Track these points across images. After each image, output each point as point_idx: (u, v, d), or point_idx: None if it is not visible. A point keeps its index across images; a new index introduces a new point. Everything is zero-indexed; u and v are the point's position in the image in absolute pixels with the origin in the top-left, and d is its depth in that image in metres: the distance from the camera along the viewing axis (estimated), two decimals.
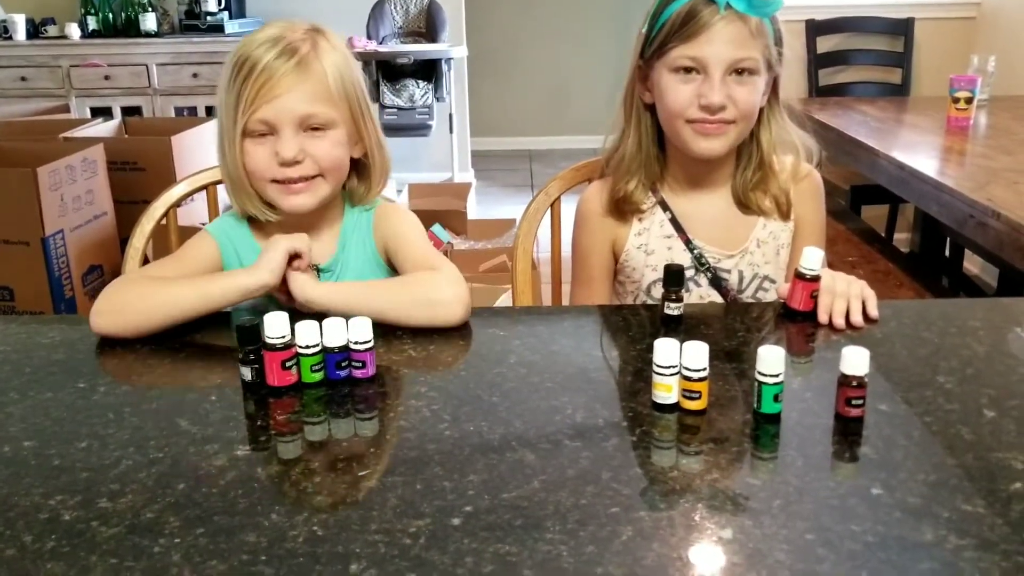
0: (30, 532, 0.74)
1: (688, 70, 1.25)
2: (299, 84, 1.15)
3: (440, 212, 3.87)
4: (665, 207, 1.35)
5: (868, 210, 3.34)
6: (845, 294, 1.13)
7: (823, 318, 1.12)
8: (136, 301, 1.12)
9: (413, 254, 1.23)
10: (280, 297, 1.16)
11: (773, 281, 1.36)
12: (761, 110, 1.30)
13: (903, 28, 3.79)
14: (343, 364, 0.99)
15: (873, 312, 1.14)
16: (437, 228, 3.49)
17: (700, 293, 1.34)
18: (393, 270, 1.29)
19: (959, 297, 3.16)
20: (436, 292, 1.13)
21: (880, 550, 0.69)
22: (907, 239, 3.71)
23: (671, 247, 1.34)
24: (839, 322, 1.11)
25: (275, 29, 1.17)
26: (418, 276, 1.18)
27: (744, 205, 1.35)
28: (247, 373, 0.97)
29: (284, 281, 1.14)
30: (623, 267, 1.38)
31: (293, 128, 1.16)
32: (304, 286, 1.13)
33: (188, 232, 1.53)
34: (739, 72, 1.24)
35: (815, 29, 3.78)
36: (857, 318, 1.12)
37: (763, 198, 1.35)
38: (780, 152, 1.34)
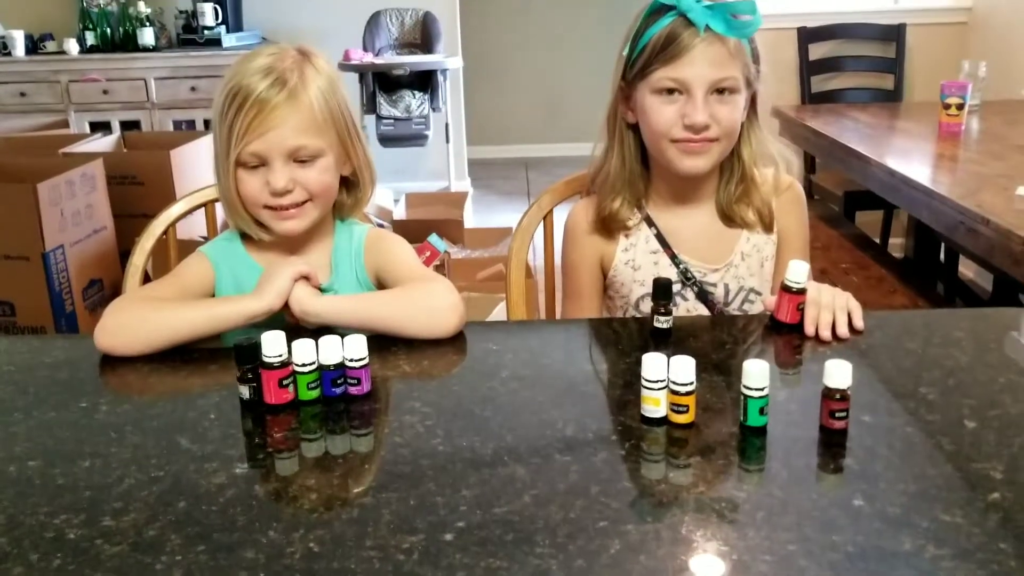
0: (36, 550, 0.76)
1: (671, 91, 1.27)
2: (289, 117, 1.18)
3: (437, 221, 3.89)
4: (651, 223, 1.38)
5: (862, 216, 3.36)
6: (831, 306, 1.16)
7: (810, 330, 1.15)
8: (143, 321, 1.15)
9: (407, 274, 1.26)
10: (290, 319, 1.18)
11: (759, 293, 1.38)
12: (742, 125, 1.33)
13: (895, 34, 3.81)
14: (339, 381, 1.01)
15: (858, 323, 1.16)
16: (434, 238, 3.50)
17: (687, 307, 1.37)
18: None
19: (954, 302, 3.18)
20: (433, 299, 1.17)
21: (860, 560, 0.72)
22: (901, 244, 3.73)
23: (657, 262, 1.37)
24: (825, 334, 1.14)
25: (266, 58, 1.20)
26: (415, 285, 1.21)
27: (728, 218, 1.38)
28: (245, 391, 0.99)
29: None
30: (612, 282, 1.40)
31: (283, 160, 1.20)
32: (302, 300, 1.16)
33: (187, 246, 1.56)
34: (720, 91, 1.27)
35: (807, 36, 3.80)
36: (843, 330, 1.14)
37: (746, 211, 1.37)
38: (761, 165, 1.37)
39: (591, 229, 1.39)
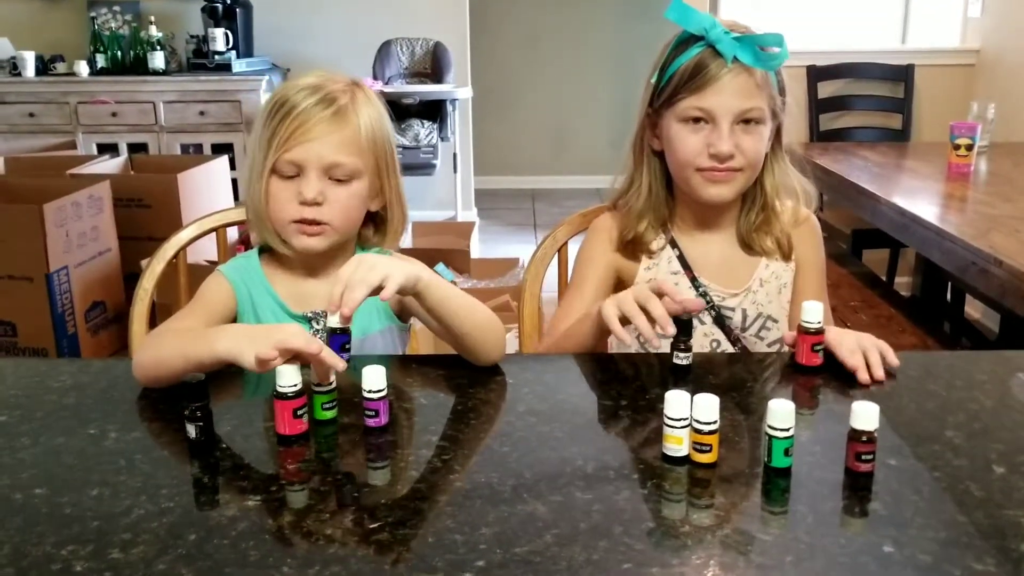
0: None
1: (697, 120, 1.28)
2: (332, 132, 1.19)
3: (443, 251, 3.89)
4: (674, 245, 1.39)
5: (869, 254, 3.35)
6: (855, 349, 1.14)
7: (854, 367, 1.13)
8: (156, 357, 1.11)
9: None
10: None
11: (775, 320, 1.38)
12: (765, 155, 1.33)
13: (903, 74, 3.83)
14: (347, 346, 1.01)
15: (893, 361, 1.15)
16: (441, 267, 3.50)
17: (704, 331, 1.37)
18: (401, 319, 1.31)
19: (961, 342, 3.16)
20: (495, 320, 1.19)
21: None
22: (908, 283, 3.73)
23: (678, 283, 1.37)
24: (863, 377, 1.11)
25: (316, 78, 1.22)
26: (490, 312, 1.20)
27: (748, 246, 1.39)
28: (192, 431, 0.96)
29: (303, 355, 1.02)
30: None
31: (318, 172, 1.20)
32: (392, 264, 1.09)
33: (195, 270, 1.54)
34: (746, 121, 1.28)
35: (816, 74, 3.82)
36: (879, 372, 1.12)
37: (765, 239, 1.39)
38: (782, 195, 1.39)
39: (614, 247, 1.39)
